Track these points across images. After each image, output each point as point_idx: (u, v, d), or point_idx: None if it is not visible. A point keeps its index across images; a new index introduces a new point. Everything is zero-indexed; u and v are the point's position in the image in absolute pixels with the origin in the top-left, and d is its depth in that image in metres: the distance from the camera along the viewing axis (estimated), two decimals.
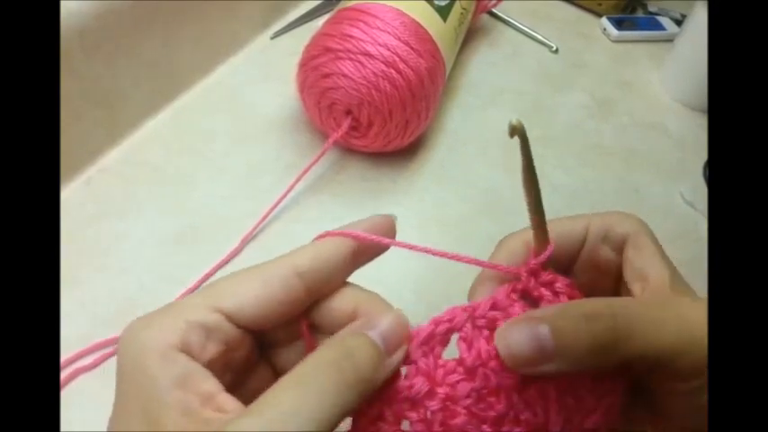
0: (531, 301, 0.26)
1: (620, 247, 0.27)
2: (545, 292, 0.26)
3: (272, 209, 0.47)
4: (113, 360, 0.38)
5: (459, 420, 0.23)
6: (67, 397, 0.37)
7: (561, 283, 0.26)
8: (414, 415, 0.23)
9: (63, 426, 0.35)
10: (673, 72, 0.64)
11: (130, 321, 0.22)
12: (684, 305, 0.23)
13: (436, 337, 0.24)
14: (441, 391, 0.23)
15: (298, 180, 0.47)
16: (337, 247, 0.25)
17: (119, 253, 0.44)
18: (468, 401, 0.23)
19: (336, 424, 0.20)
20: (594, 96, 0.62)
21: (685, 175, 0.56)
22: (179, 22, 0.51)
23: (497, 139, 0.56)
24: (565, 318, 0.22)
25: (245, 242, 0.45)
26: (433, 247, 0.26)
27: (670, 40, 0.66)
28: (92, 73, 0.46)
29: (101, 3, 0.44)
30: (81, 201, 0.46)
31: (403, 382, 0.23)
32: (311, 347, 0.25)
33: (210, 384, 0.21)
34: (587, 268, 0.28)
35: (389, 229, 0.26)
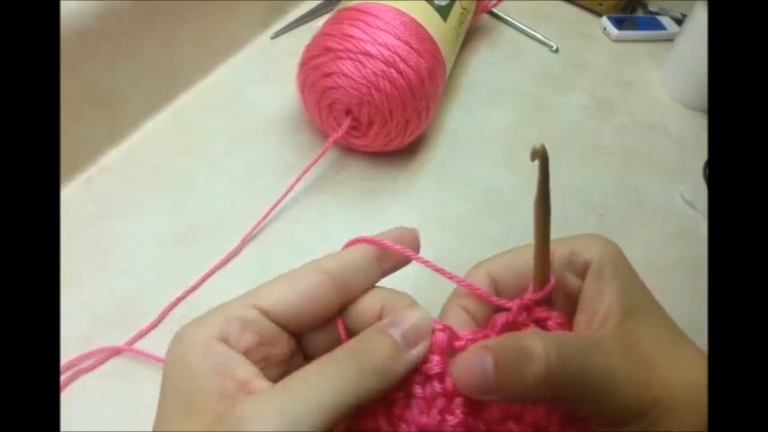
0: None
1: (583, 274, 0.26)
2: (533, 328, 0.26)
3: (272, 209, 0.47)
4: (113, 362, 0.38)
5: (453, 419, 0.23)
6: (67, 397, 0.37)
7: (554, 321, 0.26)
8: (420, 390, 0.24)
9: (63, 426, 0.35)
10: (673, 72, 0.64)
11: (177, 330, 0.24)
12: (615, 352, 0.23)
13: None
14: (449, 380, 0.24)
15: (298, 180, 0.47)
16: (363, 252, 0.26)
17: (119, 253, 0.44)
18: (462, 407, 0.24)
19: (352, 408, 0.21)
20: (595, 96, 0.62)
21: (685, 175, 0.56)
22: (179, 22, 0.51)
23: (498, 139, 0.56)
24: (505, 352, 0.22)
25: (245, 242, 0.45)
26: (440, 264, 0.27)
27: (670, 39, 0.66)
28: (92, 73, 0.46)
29: (101, 3, 0.44)
30: (81, 201, 0.46)
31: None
32: None
33: (246, 370, 0.22)
34: (556, 295, 0.27)
35: (414, 241, 0.27)
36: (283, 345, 0.25)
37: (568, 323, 0.26)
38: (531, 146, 0.22)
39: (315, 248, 0.46)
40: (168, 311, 0.41)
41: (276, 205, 0.47)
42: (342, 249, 0.27)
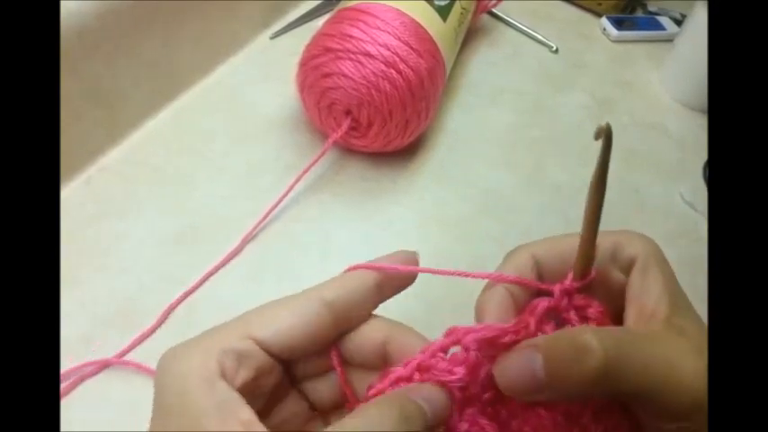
0: (560, 322, 0.26)
1: (628, 269, 0.26)
2: (573, 316, 0.25)
3: (272, 209, 0.47)
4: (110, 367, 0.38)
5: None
6: (67, 397, 0.37)
7: (594, 309, 0.25)
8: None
9: (63, 426, 0.35)
10: (673, 72, 0.64)
11: (166, 351, 0.23)
12: (674, 346, 0.23)
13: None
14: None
15: (298, 180, 0.47)
16: (362, 279, 0.26)
17: (119, 253, 0.44)
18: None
19: None
20: (594, 96, 0.62)
21: (685, 175, 0.56)
22: (179, 22, 0.51)
23: (498, 139, 0.56)
24: (557, 349, 0.22)
25: (245, 242, 0.45)
26: (442, 265, 0.26)
27: (670, 40, 0.66)
28: (92, 73, 0.46)
29: (101, 3, 0.44)
30: (81, 201, 0.46)
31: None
32: (342, 377, 0.26)
33: (247, 412, 0.22)
34: (598, 287, 0.27)
35: (413, 264, 0.27)
36: (274, 376, 0.24)
37: (608, 314, 0.26)
38: (598, 125, 0.22)
39: (315, 248, 0.46)
40: (169, 312, 0.41)
41: (276, 205, 0.47)
42: (341, 275, 0.26)
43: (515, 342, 0.23)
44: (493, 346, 0.23)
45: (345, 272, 0.26)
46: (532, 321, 0.24)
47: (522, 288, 0.26)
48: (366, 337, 0.26)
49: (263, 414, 0.23)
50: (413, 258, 0.27)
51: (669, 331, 0.24)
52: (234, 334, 0.23)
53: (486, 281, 0.27)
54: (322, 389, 0.27)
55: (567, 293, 0.25)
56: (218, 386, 0.21)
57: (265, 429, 0.21)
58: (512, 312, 0.26)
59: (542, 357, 0.22)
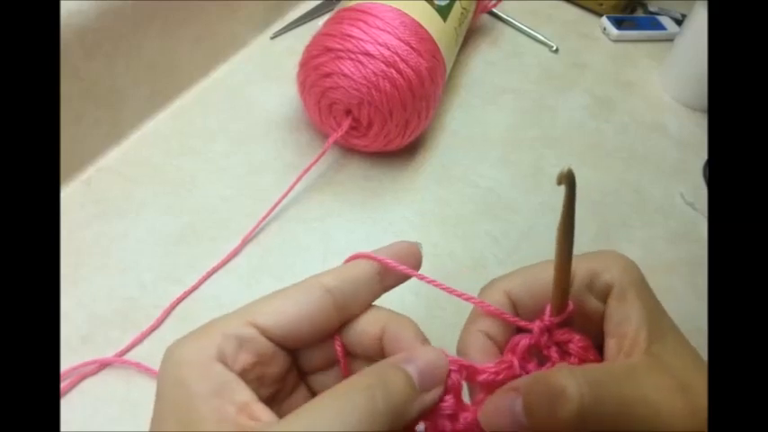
0: (541, 359, 0.26)
1: (605, 296, 0.26)
2: (554, 353, 0.25)
3: (273, 209, 0.47)
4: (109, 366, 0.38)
5: None
6: (67, 396, 0.37)
7: (575, 344, 0.25)
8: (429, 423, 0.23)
9: (63, 426, 0.35)
10: (673, 72, 0.64)
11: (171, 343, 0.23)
12: (654, 383, 0.22)
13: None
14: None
15: (298, 180, 0.47)
16: (364, 268, 0.26)
17: (119, 253, 0.44)
18: None
19: None
20: (595, 96, 0.62)
21: (685, 175, 0.56)
22: (179, 22, 0.51)
23: (498, 139, 0.56)
24: (535, 393, 0.22)
25: (245, 242, 0.45)
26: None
27: (670, 39, 0.66)
28: (92, 73, 0.46)
29: (101, 3, 0.44)
30: (81, 201, 0.46)
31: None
32: (345, 367, 0.26)
33: (245, 394, 0.22)
34: (576, 317, 0.26)
35: (414, 255, 0.27)
36: (278, 363, 0.24)
37: (589, 346, 0.26)
38: (558, 171, 0.21)
39: (315, 248, 0.46)
40: (168, 312, 0.41)
41: (276, 205, 0.47)
42: (342, 264, 0.26)
43: (501, 382, 0.24)
44: (479, 384, 0.24)
45: (347, 261, 0.27)
46: (515, 361, 0.25)
47: (500, 325, 0.26)
48: (366, 328, 0.26)
49: (271, 404, 0.24)
50: (414, 249, 0.27)
51: (650, 365, 0.23)
52: (235, 321, 0.23)
53: (470, 312, 0.27)
54: (329, 382, 0.26)
55: (547, 330, 0.25)
56: (214, 370, 0.22)
57: (265, 410, 0.21)
58: (494, 354, 0.26)
59: (522, 401, 0.22)
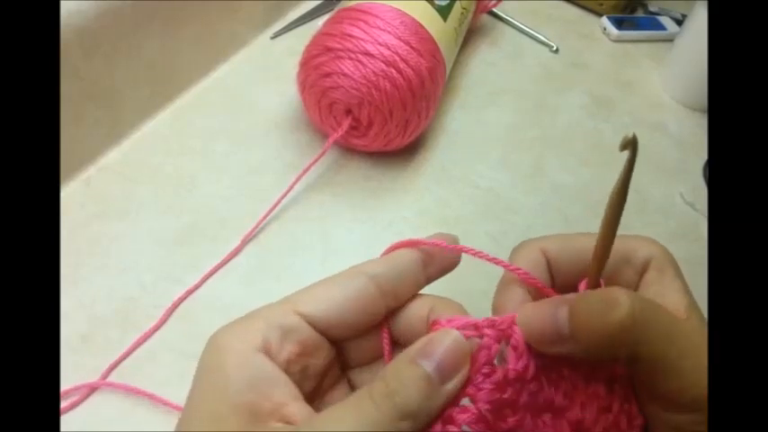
0: None
1: (642, 271, 0.26)
2: None
3: (272, 209, 0.47)
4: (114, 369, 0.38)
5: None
6: (67, 397, 0.37)
7: None
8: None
9: (63, 426, 0.35)
10: (673, 72, 0.64)
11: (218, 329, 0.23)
12: (699, 333, 0.23)
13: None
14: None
15: (298, 180, 0.48)
16: (407, 256, 0.25)
17: (119, 253, 0.44)
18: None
19: None
20: (595, 96, 0.62)
21: (685, 175, 0.56)
22: (179, 22, 0.51)
23: (498, 139, 0.56)
24: (584, 302, 0.22)
25: (245, 242, 0.45)
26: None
27: (670, 39, 0.66)
28: (92, 73, 0.46)
29: (101, 3, 0.44)
30: (81, 201, 0.46)
31: None
32: (389, 357, 0.26)
33: (284, 392, 0.21)
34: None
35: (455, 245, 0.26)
36: (323, 354, 0.24)
37: None
38: (622, 136, 0.21)
39: (314, 248, 0.46)
40: (169, 313, 0.41)
41: (276, 205, 0.47)
42: (384, 253, 0.26)
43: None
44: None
45: (388, 249, 0.26)
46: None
47: (534, 289, 0.26)
48: (413, 315, 0.25)
49: (312, 397, 0.23)
50: (452, 239, 0.26)
51: (694, 328, 0.23)
52: (280, 311, 0.23)
53: (498, 280, 0.27)
54: (370, 379, 0.26)
55: None
56: (255, 360, 0.21)
57: (304, 409, 0.21)
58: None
59: (568, 309, 0.22)
